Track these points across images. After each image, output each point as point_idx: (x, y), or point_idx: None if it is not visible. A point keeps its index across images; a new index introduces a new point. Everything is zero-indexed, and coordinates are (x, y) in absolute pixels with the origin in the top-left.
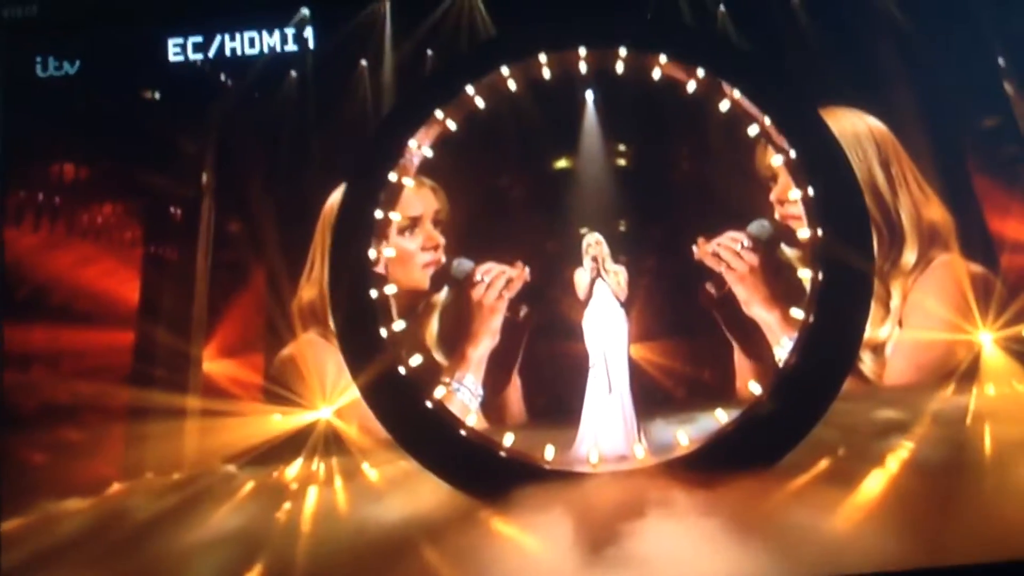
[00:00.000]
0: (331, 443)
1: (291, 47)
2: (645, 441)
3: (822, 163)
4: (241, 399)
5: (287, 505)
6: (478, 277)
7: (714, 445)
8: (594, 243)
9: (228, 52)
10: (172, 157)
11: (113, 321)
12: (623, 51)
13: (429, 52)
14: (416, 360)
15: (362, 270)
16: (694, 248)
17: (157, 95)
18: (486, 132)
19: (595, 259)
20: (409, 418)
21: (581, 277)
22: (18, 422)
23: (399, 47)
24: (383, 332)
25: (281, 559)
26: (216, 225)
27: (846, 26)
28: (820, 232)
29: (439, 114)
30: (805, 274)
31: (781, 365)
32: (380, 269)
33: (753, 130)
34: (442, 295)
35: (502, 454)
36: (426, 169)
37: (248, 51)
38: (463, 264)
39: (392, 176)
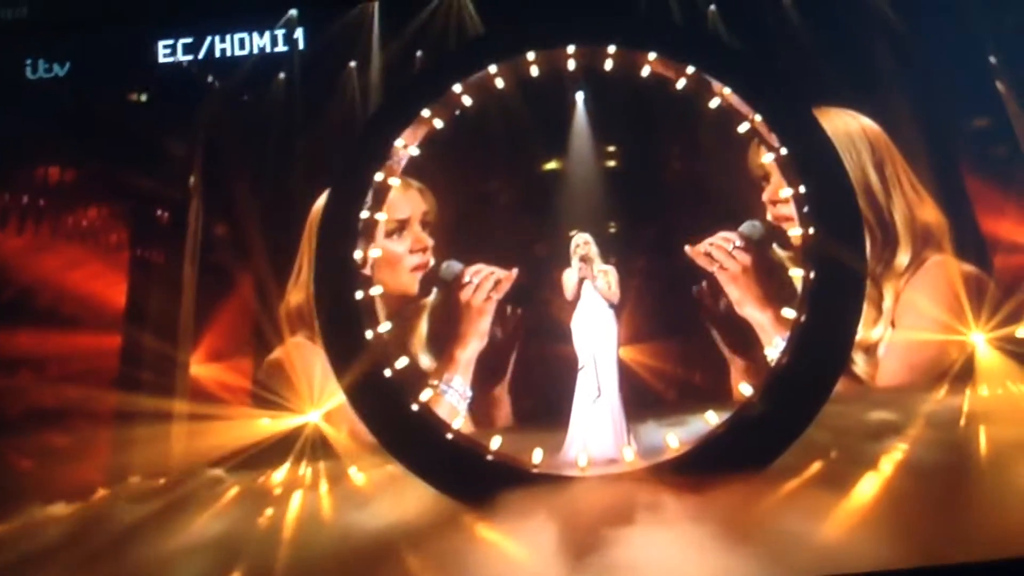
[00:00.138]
0: (318, 447)
1: (281, 48)
2: (635, 444)
3: (813, 160)
4: (229, 403)
5: (270, 511)
6: (467, 279)
7: (704, 448)
8: (582, 243)
9: (218, 53)
10: (160, 159)
11: (99, 325)
12: (612, 49)
13: (419, 53)
14: (402, 363)
15: (347, 271)
16: (686, 248)
17: (147, 97)
18: (474, 131)
19: (583, 259)
20: (394, 421)
21: (569, 278)
22: (4, 427)
23: (387, 47)
24: (368, 334)
25: (262, 565)
26: (203, 228)
27: (839, 26)
28: (812, 230)
29: (426, 113)
30: (797, 273)
31: (773, 365)
32: (366, 271)
33: (743, 127)
34: (431, 298)
35: (489, 458)
36: (413, 169)
37: (238, 52)
38: (452, 266)
39: (378, 176)
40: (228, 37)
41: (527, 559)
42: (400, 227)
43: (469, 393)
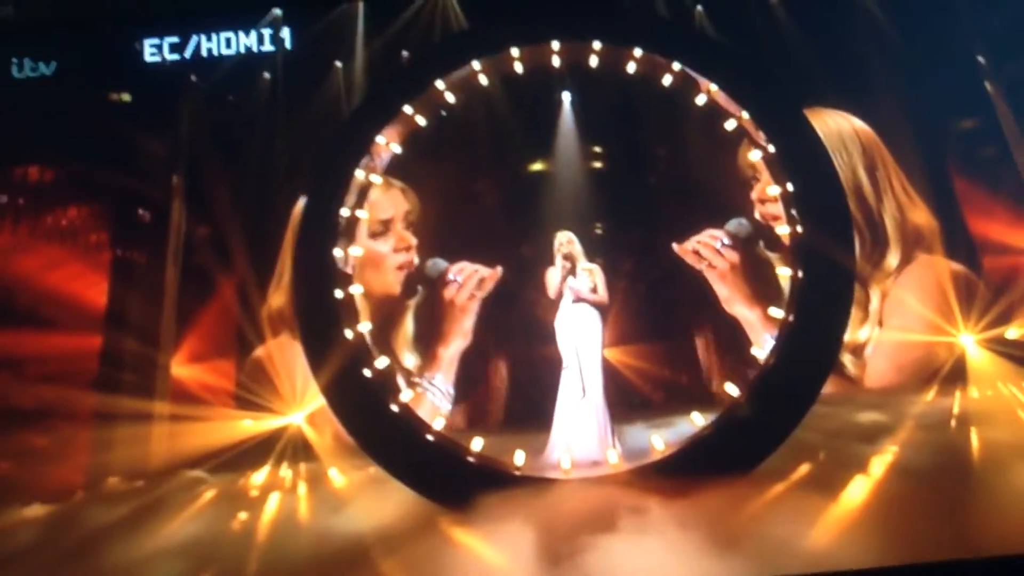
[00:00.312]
0: (300, 449)
1: (267, 47)
2: (619, 446)
3: (802, 158)
4: (211, 404)
5: (245, 515)
6: (451, 276)
7: (690, 450)
8: (565, 242)
9: (204, 53)
10: (143, 159)
11: (79, 326)
12: (597, 45)
13: (405, 53)
14: (382, 363)
15: (327, 269)
16: (674, 246)
17: (132, 96)
18: (457, 129)
19: (566, 257)
20: (373, 422)
21: (552, 276)
22: None
23: (372, 46)
24: (348, 333)
25: (233, 569)
26: (186, 229)
27: (827, 26)
28: (800, 229)
29: (408, 110)
30: (785, 273)
31: (760, 366)
32: (347, 269)
33: (731, 125)
34: (415, 297)
35: (470, 459)
36: (395, 168)
37: (224, 51)
38: (437, 264)
39: (359, 174)
40: (214, 36)
41: (504, 564)
42: (383, 227)
43: (452, 391)
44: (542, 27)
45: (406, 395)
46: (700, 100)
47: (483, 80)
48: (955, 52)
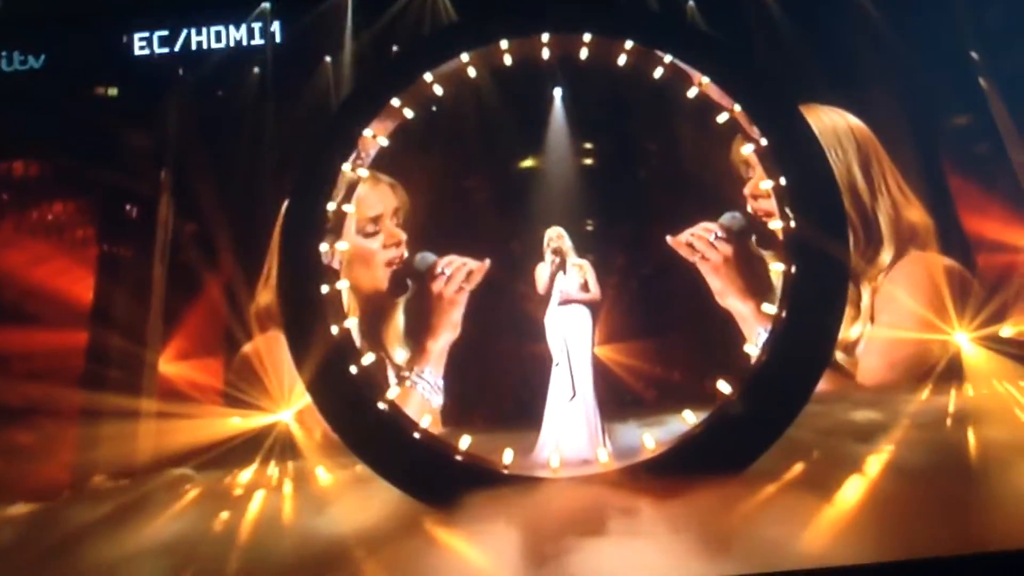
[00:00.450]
0: (288, 447)
1: (257, 41)
2: (609, 444)
3: (795, 151)
4: (199, 402)
5: (229, 514)
6: (439, 270)
7: (681, 448)
8: (555, 236)
9: (194, 46)
10: (131, 153)
11: (65, 322)
12: (587, 37)
13: (395, 48)
14: (368, 359)
15: (312, 264)
16: (667, 238)
17: (121, 90)
18: (446, 122)
19: (556, 252)
20: (359, 420)
21: (542, 272)
22: None
23: (361, 39)
24: (334, 329)
25: (213, 570)
26: (173, 225)
27: (821, 22)
28: (793, 223)
29: (396, 102)
30: (778, 268)
31: (753, 363)
32: (333, 264)
33: (723, 118)
34: (405, 293)
35: (458, 458)
36: (383, 162)
37: (214, 45)
38: (426, 258)
39: (346, 167)
40: (204, 30)
41: (488, 565)
42: (372, 224)
43: (441, 384)
44: (532, 19)
45: (393, 392)
46: (692, 93)
47: (472, 73)
48: (950, 48)
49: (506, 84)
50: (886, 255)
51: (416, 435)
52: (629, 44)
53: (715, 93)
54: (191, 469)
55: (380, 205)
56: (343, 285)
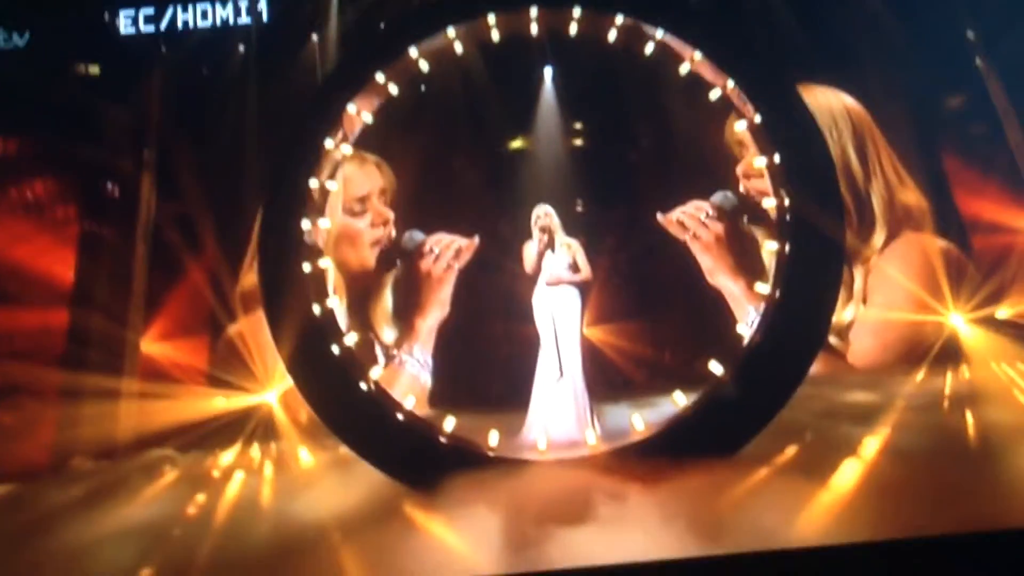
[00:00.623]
0: (272, 428)
1: (244, 19)
2: (598, 426)
3: (788, 127)
4: (182, 382)
5: (202, 497)
6: (428, 248)
7: (672, 430)
8: (543, 215)
9: (180, 24)
10: (115, 132)
11: (46, 301)
12: (577, 11)
13: (382, 25)
14: (352, 339)
15: (294, 242)
16: (658, 216)
17: (105, 68)
18: (432, 99)
19: (544, 231)
20: (341, 401)
21: (530, 250)
22: None
23: (348, 16)
24: (316, 308)
25: (183, 555)
26: (156, 204)
27: (815, 2)
28: (787, 200)
29: (380, 78)
30: (771, 247)
31: (745, 344)
32: (315, 242)
33: (715, 95)
34: (393, 271)
35: (442, 440)
36: (369, 139)
37: (200, 23)
38: (414, 236)
39: (328, 143)
40: (190, 8)
41: (466, 550)
42: (360, 204)
43: (430, 362)
44: None
45: (376, 372)
46: (683, 69)
47: (458, 48)
48: (946, 28)
49: (494, 60)
50: (879, 237)
51: (400, 416)
52: (619, 19)
53: (708, 70)
54: (173, 450)
55: (367, 184)
56: (326, 263)
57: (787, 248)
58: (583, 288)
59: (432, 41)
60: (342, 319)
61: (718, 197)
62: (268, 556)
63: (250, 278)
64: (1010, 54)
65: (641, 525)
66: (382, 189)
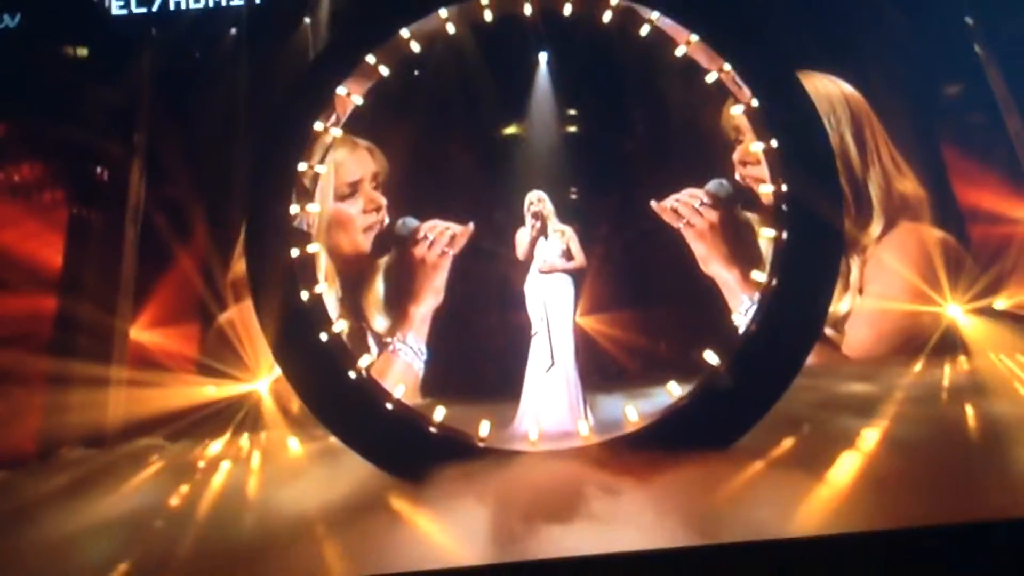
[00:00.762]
0: (262, 417)
1: (236, 1)
2: (591, 417)
3: (786, 111)
4: (171, 370)
5: (186, 488)
6: (422, 234)
7: (666, 422)
8: (536, 200)
9: (172, 5)
10: (104, 115)
11: (33, 287)
12: None
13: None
14: (340, 326)
15: (282, 226)
16: (652, 203)
17: (96, 51)
18: (424, 82)
19: (536, 217)
20: (329, 389)
21: (522, 237)
22: None
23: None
24: (304, 294)
25: (165, 547)
26: (146, 188)
27: None
28: (784, 186)
29: (371, 59)
30: (768, 234)
31: (741, 333)
32: (304, 226)
33: (711, 78)
34: (385, 257)
35: (432, 430)
36: (360, 123)
37: (192, 4)
38: (408, 222)
39: (318, 126)
40: None
41: (452, 545)
42: (351, 189)
43: (424, 350)
44: None
45: (365, 360)
46: (679, 52)
47: (451, 29)
48: (945, 14)
49: (487, 41)
50: (876, 226)
51: (389, 406)
52: (615, 0)
53: (704, 53)
54: (162, 438)
55: (359, 170)
56: (315, 248)
57: (784, 235)
58: (576, 276)
59: (424, 22)
60: (333, 306)
61: (713, 185)
62: (251, 548)
63: (241, 265)
64: (1010, 42)
65: (633, 519)
66: (374, 174)
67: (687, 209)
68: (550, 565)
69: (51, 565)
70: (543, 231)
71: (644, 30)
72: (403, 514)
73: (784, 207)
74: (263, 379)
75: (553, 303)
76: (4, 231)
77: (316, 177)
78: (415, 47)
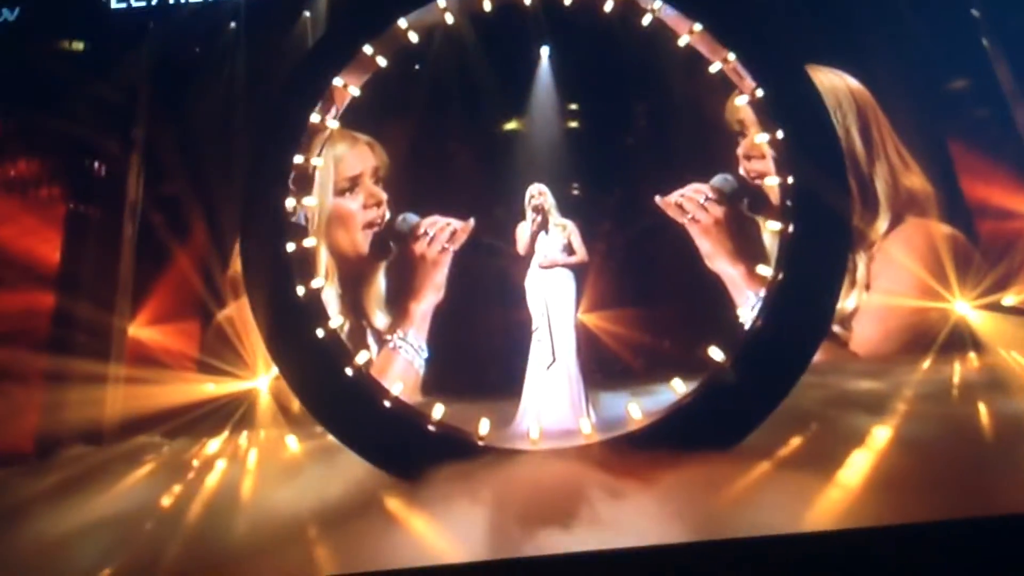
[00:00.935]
0: (261, 415)
1: None
2: (593, 415)
3: (791, 101)
4: (170, 367)
5: (179, 488)
6: (422, 230)
7: (670, 420)
8: (537, 194)
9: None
10: (102, 110)
11: (31, 283)
12: None
13: None
14: (337, 321)
15: (277, 220)
16: (656, 199)
17: (95, 45)
18: (423, 74)
19: (537, 210)
20: (325, 386)
21: (523, 231)
22: None
23: None
24: (300, 289)
25: (154, 548)
26: (144, 184)
27: None
28: (791, 177)
29: (368, 50)
30: (774, 227)
31: (747, 329)
32: (300, 220)
33: (715, 68)
34: (387, 255)
35: (430, 428)
36: (357, 115)
37: None
38: (408, 219)
39: (314, 118)
40: None
41: (447, 548)
42: (352, 184)
43: (425, 348)
44: None
45: (363, 357)
46: (682, 43)
47: (449, 19)
48: (951, 7)
49: (486, 31)
50: (883, 222)
51: (386, 403)
52: None
53: (706, 44)
54: (160, 436)
55: (359, 164)
56: (311, 243)
57: (791, 228)
58: (578, 271)
59: (422, 11)
60: (334, 303)
61: (718, 180)
62: (242, 547)
63: (239, 263)
64: (1017, 35)
65: (636, 522)
66: (375, 168)
67: (692, 204)
68: (543, 562)
69: (45, 564)
70: (544, 225)
71: (646, 20)
72: (397, 515)
73: (790, 199)
74: (263, 376)
75: (554, 298)
76: (1, 227)
77: (313, 170)
78: (413, 37)
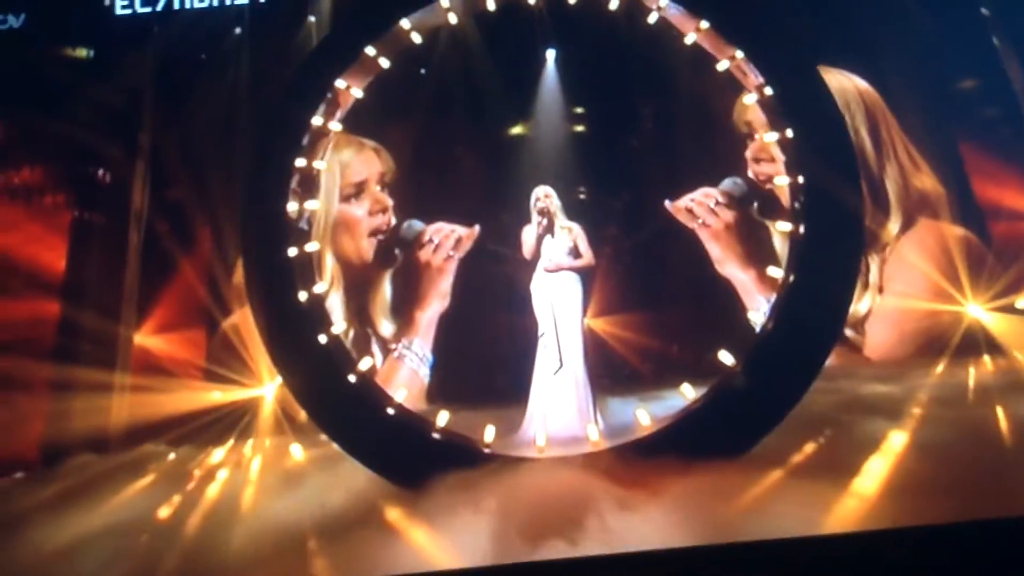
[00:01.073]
0: (267, 423)
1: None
2: (601, 421)
3: (801, 99)
4: (176, 375)
5: (178, 498)
6: (427, 238)
7: (679, 426)
8: (543, 196)
9: (176, 5)
10: (108, 117)
11: (35, 291)
12: None
13: None
14: (340, 328)
15: (278, 224)
16: (666, 203)
17: (100, 51)
18: (427, 76)
19: (542, 213)
20: (328, 393)
21: (528, 234)
22: None
23: None
24: (302, 295)
25: (153, 559)
26: (150, 191)
27: None
28: (801, 177)
29: (371, 51)
30: (784, 228)
31: (757, 332)
32: (302, 224)
33: (723, 66)
34: (392, 262)
35: (435, 436)
36: (360, 118)
37: (197, 4)
38: (413, 225)
39: (317, 120)
40: None
41: (448, 560)
42: (357, 190)
43: (430, 357)
44: None
45: (366, 364)
46: (688, 40)
47: (452, 19)
48: (960, 6)
49: (490, 31)
50: (894, 225)
51: (390, 411)
52: None
53: (714, 41)
54: (165, 445)
55: (365, 170)
56: (313, 247)
57: (801, 228)
58: (584, 274)
59: (425, 11)
60: (339, 309)
61: (727, 183)
62: (245, 558)
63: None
64: None
65: (645, 531)
66: (381, 174)
67: (702, 209)
68: (547, 567)
69: (46, 574)
70: (549, 228)
71: (652, 18)
72: (400, 524)
73: (801, 199)
74: (269, 384)
75: (560, 303)
76: (5, 235)
77: (316, 174)
78: (416, 38)
